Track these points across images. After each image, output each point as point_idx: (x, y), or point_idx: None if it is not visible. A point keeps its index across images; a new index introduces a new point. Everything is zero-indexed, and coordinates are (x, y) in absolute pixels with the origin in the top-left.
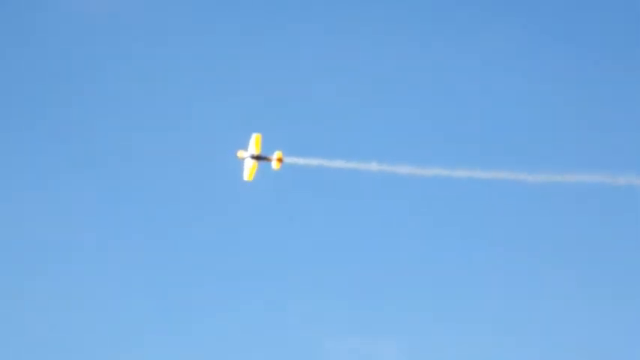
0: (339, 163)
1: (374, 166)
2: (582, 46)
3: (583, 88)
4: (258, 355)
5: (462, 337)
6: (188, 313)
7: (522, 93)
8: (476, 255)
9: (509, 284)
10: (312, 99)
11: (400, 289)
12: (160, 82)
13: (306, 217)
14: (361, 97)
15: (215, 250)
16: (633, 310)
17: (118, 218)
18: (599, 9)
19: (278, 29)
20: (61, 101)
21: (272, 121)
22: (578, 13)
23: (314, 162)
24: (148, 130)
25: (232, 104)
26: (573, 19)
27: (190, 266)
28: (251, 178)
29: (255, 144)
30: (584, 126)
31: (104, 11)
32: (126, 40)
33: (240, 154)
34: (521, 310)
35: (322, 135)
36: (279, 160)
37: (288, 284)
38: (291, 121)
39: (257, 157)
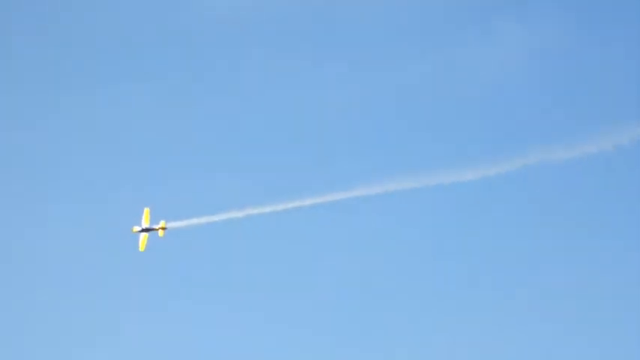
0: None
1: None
2: None
3: None
4: None
5: None
6: None
7: None
8: None
9: None
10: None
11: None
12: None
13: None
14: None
15: None
16: None
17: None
18: None
19: None
20: None
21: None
22: None
23: (196, 221)
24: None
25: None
26: None
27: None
28: (143, 249)
29: (145, 217)
30: None
31: None
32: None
33: (134, 229)
34: None
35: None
36: (163, 228)
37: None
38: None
39: (146, 230)
